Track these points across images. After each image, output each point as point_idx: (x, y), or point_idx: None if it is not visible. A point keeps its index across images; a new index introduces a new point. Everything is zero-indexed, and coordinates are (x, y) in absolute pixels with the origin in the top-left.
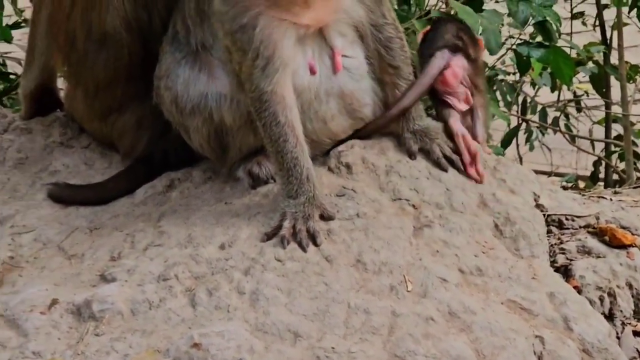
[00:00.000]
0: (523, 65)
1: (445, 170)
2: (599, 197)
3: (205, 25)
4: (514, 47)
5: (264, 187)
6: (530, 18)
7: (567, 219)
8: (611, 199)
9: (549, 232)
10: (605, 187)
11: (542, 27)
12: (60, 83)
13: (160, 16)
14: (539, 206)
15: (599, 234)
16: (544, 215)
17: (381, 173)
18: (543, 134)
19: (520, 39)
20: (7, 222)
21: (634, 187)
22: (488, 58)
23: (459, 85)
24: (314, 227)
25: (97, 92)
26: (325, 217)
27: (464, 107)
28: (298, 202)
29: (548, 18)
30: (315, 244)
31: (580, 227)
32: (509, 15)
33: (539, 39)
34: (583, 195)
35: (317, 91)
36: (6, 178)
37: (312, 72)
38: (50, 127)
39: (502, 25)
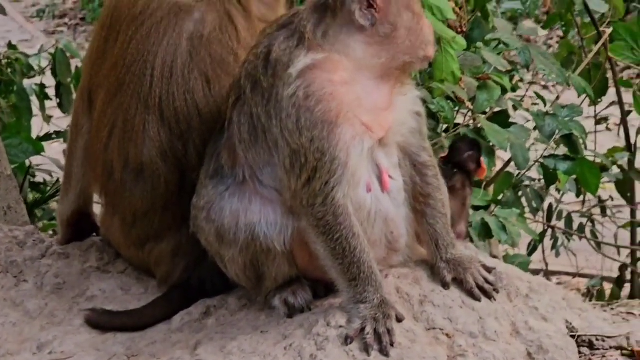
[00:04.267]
0: (550, 177)
1: (479, 300)
2: (628, 313)
3: (259, 145)
4: (540, 160)
5: (299, 316)
6: (557, 131)
7: (597, 339)
8: None
9: (579, 353)
10: (632, 293)
11: (568, 140)
12: (96, 206)
13: (195, 146)
14: (571, 330)
15: (635, 355)
16: (574, 336)
17: (415, 303)
18: (569, 240)
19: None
20: (46, 349)
21: None
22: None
23: None
24: (392, 327)
25: (134, 221)
26: (399, 318)
27: None
28: (373, 305)
29: (574, 131)
30: (392, 344)
31: (610, 347)
32: (535, 128)
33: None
34: (612, 309)
35: (370, 211)
36: (44, 303)
37: (368, 189)
38: (87, 252)
39: (529, 139)
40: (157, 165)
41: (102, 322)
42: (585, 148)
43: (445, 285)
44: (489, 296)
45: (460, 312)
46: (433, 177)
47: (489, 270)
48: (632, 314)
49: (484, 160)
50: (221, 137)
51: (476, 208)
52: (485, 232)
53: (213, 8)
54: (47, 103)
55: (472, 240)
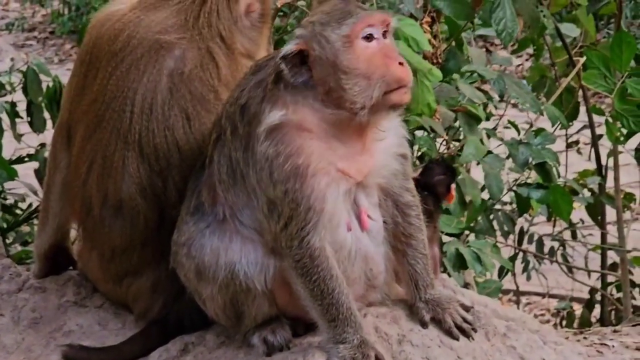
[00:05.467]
0: (523, 205)
1: (457, 339)
2: (601, 343)
3: (237, 187)
4: (514, 188)
5: (278, 355)
6: (530, 159)
7: None
8: (613, 346)
9: None
10: (602, 318)
11: (541, 168)
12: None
13: (175, 183)
14: None
15: None
16: None
17: (394, 342)
18: (540, 264)
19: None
20: None
21: (633, 325)
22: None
23: None
24: None
25: (112, 256)
26: (378, 358)
27: None
28: (352, 345)
29: (547, 160)
30: None
31: None
32: (508, 157)
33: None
34: (585, 338)
35: (350, 250)
36: (21, 338)
37: (348, 228)
38: (64, 286)
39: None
40: (136, 201)
41: (79, 357)
42: (559, 176)
43: (423, 325)
44: (467, 335)
45: (439, 352)
46: (415, 217)
47: (467, 309)
48: (605, 345)
49: (454, 187)
50: (202, 173)
51: (449, 235)
52: (460, 263)
53: (194, 45)
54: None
55: (445, 270)
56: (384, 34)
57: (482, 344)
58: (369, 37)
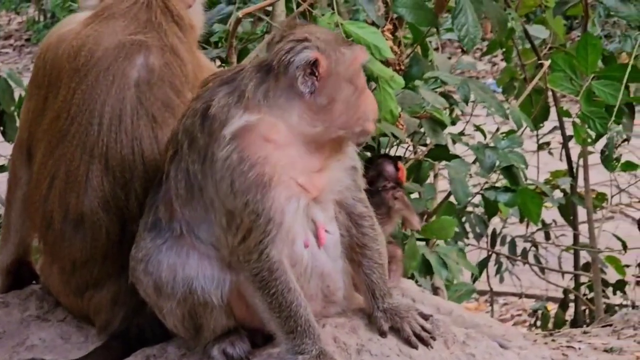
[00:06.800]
0: (491, 209)
1: (416, 348)
2: (568, 346)
3: (195, 201)
4: (481, 191)
5: None
6: (497, 162)
7: None
8: (579, 348)
9: None
10: (575, 319)
11: (508, 172)
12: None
13: (137, 195)
14: None
15: None
16: None
17: (352, 352)
18: (513, 265)
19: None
20: None
21: (603, 326)
22: None
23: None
24: None
25: (73, 270)
26: None
27: None
28: (311, 356)
29: (514, 163)
30: None
31: None
32: (475, 161)
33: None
34: (553, 340)
35: (306, 266)
36: None
37: (305, 245)
38: (26, 301)
39: (470, 173)
40: (98, 215)
41: None
42: (525, 179)
43: (382, 334)
44: (426, 344)
45: None
46: (369, 227)
47: (425, 317)
48: (572, 347)
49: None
50: (159, 189)
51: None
52: (426, 269)
53: (159, 44)
54: None
55: (413, 276)
56: None
57: (441, 352)
58: None
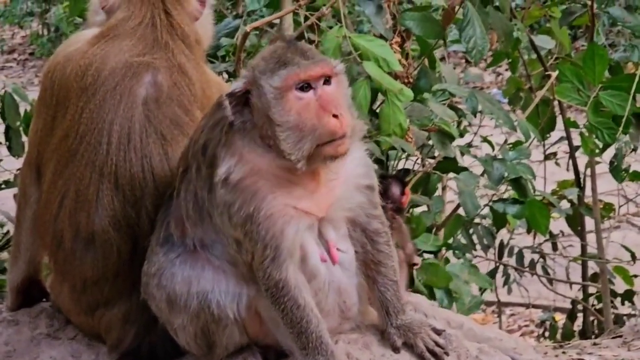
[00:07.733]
0: (499, 221)
1: None
2: (579, 359)
3: (205, 224)
4: (490, 203)
5: None
6: (505, 174)
7: None
8: None
9: None
10: (584, 328)
11: (516, 183)
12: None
13: (147, 212)
14: None
15: None
16: None
17: None
18: (521, 276)
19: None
20: None
21: (613, 337)
22: None
23: None
24: None
25: (84, 288)
26: None
27: None
28: None
29: (522, 174)
30: None
31: None
32: (483, 173)
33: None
34: (564, 352)
35: (324, 281)
36: None
37: (322, 260)
38: (37, 319)
39: (478, 186)
40: (109, 234)
41: None
42: (534, 190)
43: (395, 350)
44: (439, 359)
45: None
46: (384, 244)
47: (438, 333)
48: (583, 359)
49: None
50: (170, 204)
51: (427, 253)
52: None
53: (167, 64)
54: None
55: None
56: (327, 81)
57: None
58: (303, 88)
